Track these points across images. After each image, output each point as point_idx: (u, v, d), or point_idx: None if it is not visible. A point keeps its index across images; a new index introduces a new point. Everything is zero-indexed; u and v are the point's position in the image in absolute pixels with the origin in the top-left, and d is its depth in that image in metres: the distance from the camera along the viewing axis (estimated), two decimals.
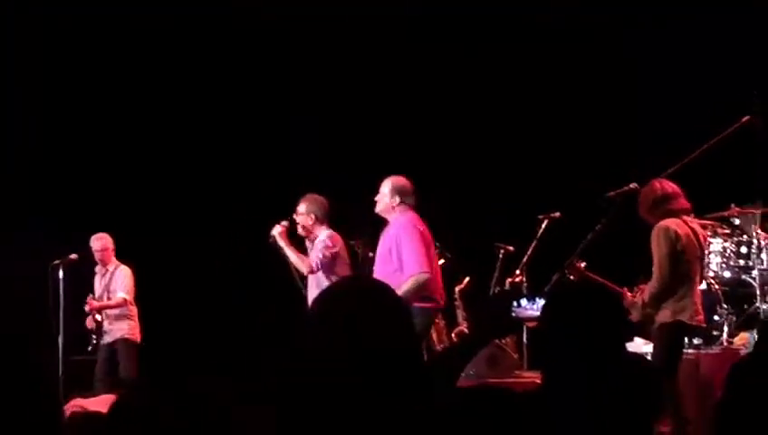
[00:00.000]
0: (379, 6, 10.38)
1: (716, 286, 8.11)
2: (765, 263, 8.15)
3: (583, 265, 7.18)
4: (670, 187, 6.79)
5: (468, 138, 10.45)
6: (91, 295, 9.45)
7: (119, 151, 10.76)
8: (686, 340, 7.19)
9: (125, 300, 9.38)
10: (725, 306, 8.08)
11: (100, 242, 9.44)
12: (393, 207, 7.39)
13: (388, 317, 2.52)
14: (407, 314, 2.63)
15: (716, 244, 8.30)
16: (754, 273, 8.16)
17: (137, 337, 9.45)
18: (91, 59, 10.69)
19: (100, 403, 6.68)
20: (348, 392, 2.42)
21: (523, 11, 10.23)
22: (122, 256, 9.61)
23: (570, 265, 7.15)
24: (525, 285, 8.37)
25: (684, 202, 6.78)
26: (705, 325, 7.17)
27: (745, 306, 8.21)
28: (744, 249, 8.26)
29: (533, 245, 8.23)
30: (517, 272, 8.32)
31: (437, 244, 7.81)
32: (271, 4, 10.59)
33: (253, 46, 10.82)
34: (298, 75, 10.79)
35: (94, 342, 9.40)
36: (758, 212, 8.23)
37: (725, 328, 7.97)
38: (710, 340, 7.87)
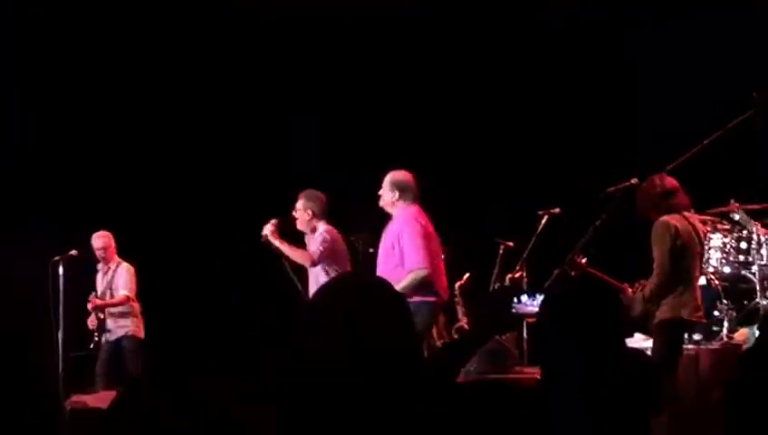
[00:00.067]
0: (379, 6, 10.38)
1: (716, 282, 8.12)
2: (765, 258, 8.14)
3: (584, 260, 7.19)
4: (670, 182, 6.80)
5: (469, 135, 10.46)
6: (93, 293, 9.45)
7: (119, 151, 10.76)
8: (685, 335, 7.19)
9: (127, 297, 9.39)
10: (725, 302, 8.08)
11: (102, 240, 9.45)
12: (394, 202, 7.40)
13: (387, 313, 2.52)
14: (406, 310, 2.63)
15: (716, 239, 8.29)
16: (754, 268, 8.16)
17: (140, 334, 9.47)
18: (91, 59, 10.69)
19: (101, 399, 6.70)
20: (348, 392, 2.42)
21: (522, 11, 10.23)
22: (122, 255, 9.61)
23: (570, 260, 7.15)
24: (525, 280, 8.37)
25: (683, 198, 6.78)
26: (705, 321, 7.18)
27: (745, 302, 8.21)
28: (743, 245, 8.25)
29: (533, 240, 8.22)
30: (517, 268, 8.32)
31: None
32: (271, 4, 10.60)
33: (253, 46, 10.82)
34: (298, 75, 10.79)
35: (96, 339, 9.40)
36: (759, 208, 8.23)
37: (725, 324, 7.96)
38: (710, 335, 7.88)
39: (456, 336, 9.04)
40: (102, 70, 10.72)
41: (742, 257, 8.24)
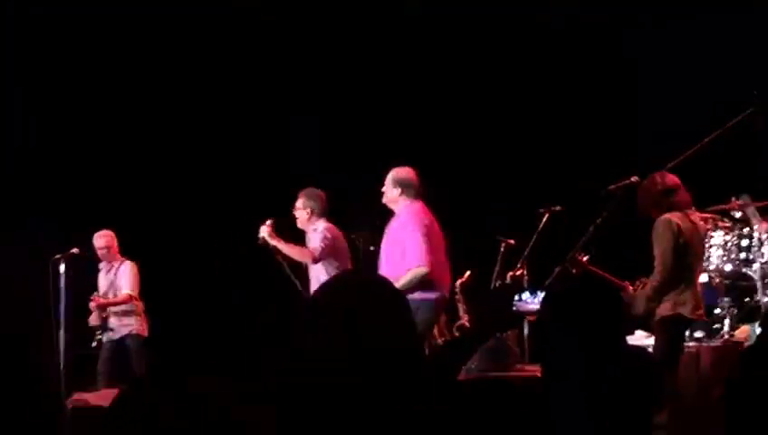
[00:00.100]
0: (379, 6, 10.38)
1: (717, 279, 8.12)
2: (766, 256, 8.14)
3: (585, 258, 7.19)
4: (671, 180, 6.79)
5: (470, 134, 10.47)
6: (96, 293, 9.45)
7: (118, 151, 10.76)
8: (687, 333, 7.20)
9: (130, 296, 9.39)
10: (726, 299, 8.09)
11: (105, 239, 9.45)
12: (397, 199, 7.40)
13: (387, 312, 2.52)
14: (406, 308, 2.63)
15: (717, 237, 8.30)
16: (755, 266, 8.16)
17: (144, 332, 9.47)
18: (91, 59, 10.69)
19: (102, 398, 6.70)
20: (348, 392, 2.42)
21: (523, 11, 10.23)
22: (121, 255, 9.61)
23: (572, 258, 7.16)
24: (526, 278, 8.38)
25: (685, 195, 6.78)
26: (705, 319, 7.19)
27: (746, 299, 8.22)
28: (744, 242, 8.26)
29: (534, 238, 8.22)
30: (518, 265, 8.32)
31: None
32: (271, 4, 10.60)
33: (253, 46, 10.82)
34: (298, 75, 10.79)
35: (98, 338, 9.40)
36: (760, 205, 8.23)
37: (726, 321, 7.97)
38: (711, 333, 7.88)
39: (457, 334, 9.04)
40: (102, 70, 10.72)
41: (743, 255, 8.24)
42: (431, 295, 7.24)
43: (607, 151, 9.46)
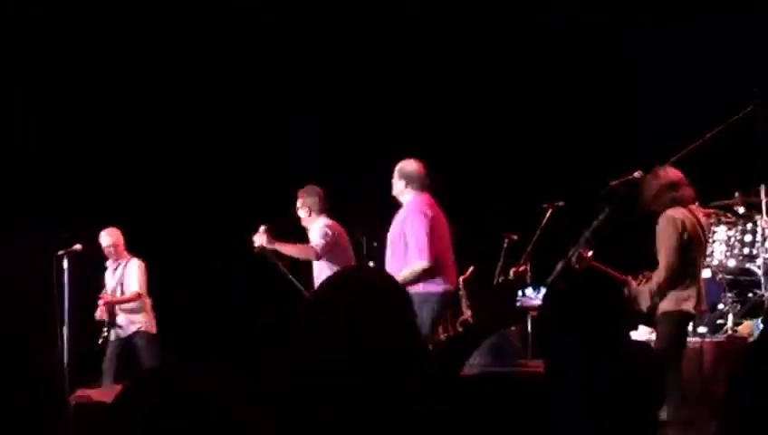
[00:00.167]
0: (379, 6, 10.39)
1: (721, 275, 8.12)
2: None
3: (590, 254, 7.20)
4: (675, 174, 6.77)
5: (471, 132, 10.48)
6: (104, 291, 9.46)
7: (118, 151, 10.76)
8: (690, 328, 7.20)
9: (138, 294, 9.41)
10: (730, 294, 8.09)
11: (112, 237, 9.45)
12: (402, 191, 7.41)
13: (388, 309, 2.52)
14: (408, 306, 2.63)
15: (721, 232, 8.30)
16: (759, 261, 8.17)
17: (153, 329, 9.48)
18: (91, 59, 10.69)
19: (106, 394, 6.71)
20: (348, 392, 2.42)
21: (522, 11, 10.23)
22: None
23: (576, 254, 7.16)
24: (530, 274, 8.38)
25: (688, 191, 6.77)
26: (709, 314, 7.20)
27: (750, 295, 8.22)
28: (748, 238, 8.26)
29: (538, 234, 8.22)
30: (521, 261, 8.32)
31: None
32: (271, 4, 10.60)
33: (253, 46, 10.82)
34: (298, 75, 10.79)
35: (104, 335, 9.40)
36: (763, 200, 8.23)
37: (730, 316, 7.98)
38: (714, 328, 7.88)
39: (460, 329, 9.04)
40: (102, 70, 10.72)
41: (746, 250, 8.25)
42: (437, 289, 7.23)
43: (608, 150, 9.46)
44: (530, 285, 8.66)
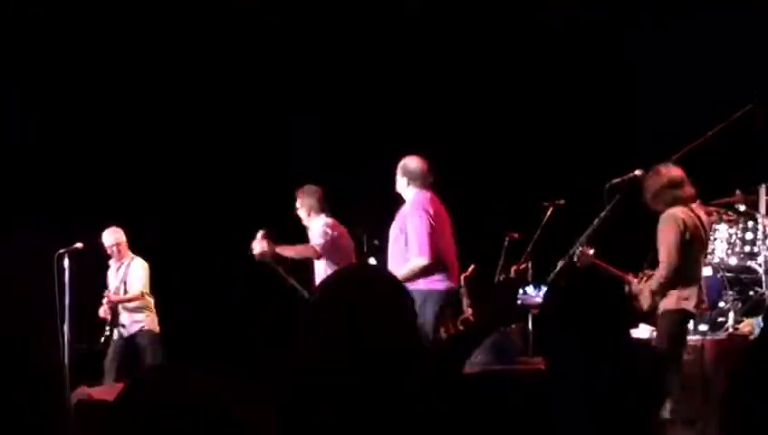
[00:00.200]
0: (379, 6, 10.39)
1: (722, 272, 8.11)
2: None
3: (591, 252, 7.20)
4: (676, 173, 6.77)
5: (472, 131, 10.48)
6: (108, 290, 9.45)
7: (118, 151, 10.76)
8: (691, 326, 7.20)
9: (142, 293, 9.42)
10: (731, 292, 8.08)
11: (115, 236, 9.46)
12: (404, 188, 7.41)
13: (389, 309, 2.51)
14: (408, 306, 2.62)
15: (722, 230, 8.29)
16: (760, 259, 8.15)
17: (156, 328, 9.49)
18: (91, 59, 10.69)
19: (106, 392, 6.70)
20: (348, 392, 2.42)
21: (523, 11, 10.23)
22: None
23: (577, 252, 7.17)
24: (531, 272, 8.38)
25: (690, 189, 6.76)
26: (710, 312, 7.20)
27: (751, 293, 8.21)
28: (749, 235, 8.25)
29: (539, 232, 8.22)
30: (522, 259, 8.31)
31: None
32: (271, 4, 10.60)
33: (253, 46, 10.82)
34: (298, 75, 10.79)
35: (107, 334, 9.41)
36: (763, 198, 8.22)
37: (731, 314, 7.97)
38: (715, 326, 7.88)
39: (461, 328, 9.04)
40: (103, 70, 10.72)
41: (748, 248, 8.24)
42: (440, 286, 7.22)
43: (608, 149, 9.46)
44: (531, 284, 8.69)
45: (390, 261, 7.31)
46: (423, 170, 7.38)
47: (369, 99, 10.41)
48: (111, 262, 9.55)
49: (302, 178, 8.57)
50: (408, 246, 7.21)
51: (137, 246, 9.62)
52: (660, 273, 6.65)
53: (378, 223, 7.96)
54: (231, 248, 10.27)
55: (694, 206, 6.79)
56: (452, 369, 2.94)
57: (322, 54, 10.61)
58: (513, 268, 8.29)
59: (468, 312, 9.19)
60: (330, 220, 8.06)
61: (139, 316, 9.44)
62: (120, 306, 9.44)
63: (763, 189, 8.22)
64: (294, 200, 8.29)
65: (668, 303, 6.67)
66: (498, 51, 10.40)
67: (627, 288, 6.75)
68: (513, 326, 8.38)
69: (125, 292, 9.47)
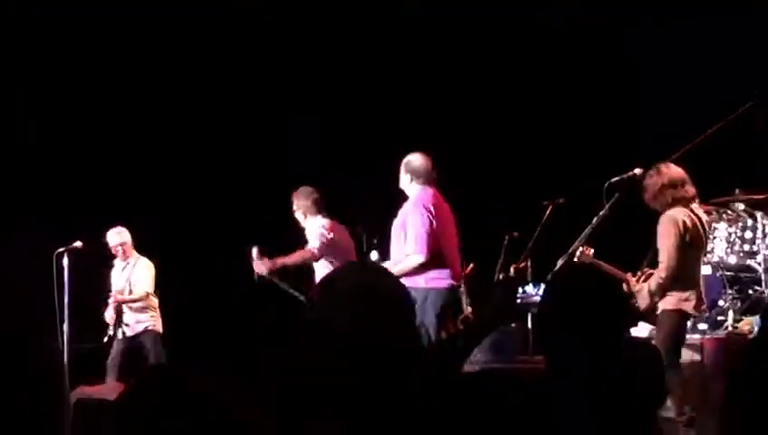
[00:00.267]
0: (379, 6, 10.38)
1: (721, 271, 8.10)
2: None
3: (591, 251, 7.20)
4: (677, 173, 6.75)
5: (472, 131, 10.48)
6: (116, 290, 9.44)
7: (118, 151, 10.76)
8: (690, 325, 7.21)
9: (147, 293, 9.43)
10: (730, 291, 8.07)
11: (120, 236, 9.47)
12: (407, 185, 7.41)
13: (389, 308, 2.51)
14: (408, 304, 2.62)
15: (721, 229, 8.29)
16: (759, 258, 8.15)
17: (159, 328, 9.51)
18: (91, 59, 10.69)
19: (106, 391, 6.69)
20: (348, 392, 2.42)
21: (523, 11, 10.23)
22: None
23: (577, 251, 7.17)
24: (530, 271, 8.38)
25: (690, 189, 6.75)
26: (709, 312, 7.20)
27: (750, 291, 8.21)
28: (749, 234, 8.25)
29: (538, 231, 8.22)
30: (522, 258, 8.31)
31: None
32: (271, 4, 10.60)
33: (253, 46, 10.82)
34: (298, 75, 10.79)
35: (111, 333, 9.41)
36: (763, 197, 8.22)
37: (730, 313, 7.96)
38: (715, 325, 7.87)
39: (461, 327, 9.04)
40: (103, 70, 10.72)
41: (747, 247, 8.24)
42: (441, 284, 7.23)
43: (608, 148, 9.46)
44: (530, 282, 8.68)
45: (392, 256, 7.35)
46: (426, 167, 7.39)
47: (369, 99, 10.41)
48: (116, 261, 9.56)
49: (302, 178, 8.57)
50: (406, 243, 7.22)
51: (136, 246, 9.62)
52: (659, 274, 6.65)
53: (378, 222, 7.96)
54: (231, 248, 10.27)
55: (694, 206, 6.79)
56: (452, 368, 2.94)
57: (322, 54, 10.61)
58: (513, 267, 8.28)
59: (468, 311, 9.20)
60: (326, 221, 8.06)
61: (144, 317, 9.47)
62: (124, 306, 9.46)
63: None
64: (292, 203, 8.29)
65: (668, 303, 6.67)
66: (498, 51, 10.40)
67: (624, 288, 6.75)
68: (513, 325, 8.38)
69: (130, 292, 9.48)
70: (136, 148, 10.77)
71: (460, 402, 2.54)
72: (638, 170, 7.05)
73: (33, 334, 2.09)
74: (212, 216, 10.56)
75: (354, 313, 2.47)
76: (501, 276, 8.61)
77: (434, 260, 7.19)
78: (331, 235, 7.98)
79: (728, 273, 8.18)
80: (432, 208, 7.24)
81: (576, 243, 7.20)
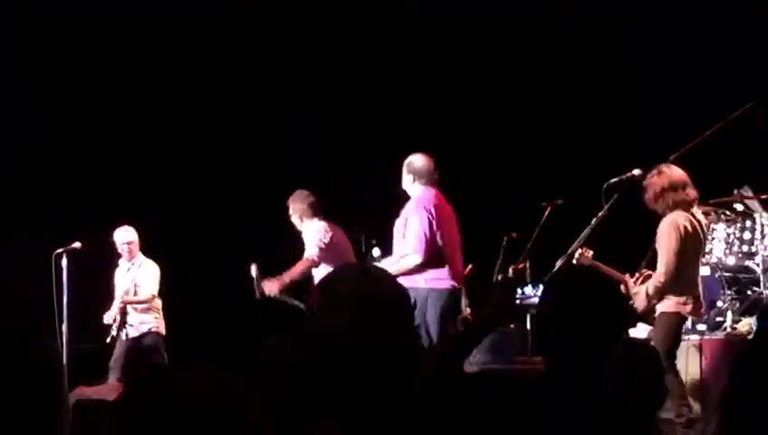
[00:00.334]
0: (379, 6, 10.39)
1: (720, 272, 8.10)
2: None
3: (590, 253, 7.20)
4: (679, 175, 6.73)
5: (472, 131, 10.48)
6: (123, 291, 9.45)
7: (118, 151, 10.76)
8: (689, 326, 7.20)
9: (153, 296, 9.44)
10: (729, 292, 8.07)
11: (129, 234, 9.48)
12: (410, 186, 7.41)
13: (388, 308, 2.51)
14: (408, 305, 2.62)
15: (720, 230, 8.28)
16: (758, 258, 8.15)
17: (162, 330, 9.54)
18: (91, 59, 10.69)
19: (105, 391, 6.69)
20: (348, 392, 2.42)
21: (523, 11, 10.23)
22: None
23: (576, 253, 7.17)
24: (529, 272, 8.38)
25: (692, 192, 6.73)
26: (707, 314, 7.21)
27: (749, 292, 8.21)
28: (747, 235, 8.24)
29: (537, 232, 8.22)
30: (521, 259, 8.31)
31: None
32: (271, 4, 10.60)
33: (253, 46, 10.82)
34: (298, 75, 10.79)
35: (114, 334, 9.42)
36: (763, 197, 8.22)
37: (729, 314, 7.96)
38: (713, 326, 7.88)
39: (460, 328, 9.04)
40: (103, 70, 10.72)
41: (746, 248, 8.24)
42: (442, 285, 7.23)
43: (607, 149, 9.47)
44: (529, 283, 8.68)
45: (393, 254, 7.36)
46: (429, 168, 7.40)
47: (369, 99, 10.41)
48: (121, 262, 9.56)
49: (302, 178, 8.57)
50: (405, 242, 7.24)
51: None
52: (658, 278, 6.65)
53: (377, 222, 7.96)
54: (231, 248, 10.27)
55: (694, 210, 6.77)
56: (452, 369, 2.94)
57: (322, 54, 10.61)
58: (512, 268, 8.29)
59: (467, 311, 9.20)
60: (322, 224, 8.05)
61: (148, 318, 9.48)
62: (129, 307, 9.47)
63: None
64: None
65: (666, 305, 6.67)
66: (498, 51, 10.40)
67: (623, 289, 6.75)
68: (512, 326, 8.38)
69: (135, 293, 9.50)
70: (136, 148, 10.77)
71: (459, 403, 2.55)
72: (637, 171, 7.04)
73: (32, 335, 2.09)
74: (212, 216, 10.56)
75: (353, 314, 2.47)
76: (500, 277, 8.61)
77: (433, 261, 7.19)
78: (329, 236, 7.98)
79: (727, 274, 8.18)
80: (433, 209, 7.25)
81: (575, 244, 7.20)
